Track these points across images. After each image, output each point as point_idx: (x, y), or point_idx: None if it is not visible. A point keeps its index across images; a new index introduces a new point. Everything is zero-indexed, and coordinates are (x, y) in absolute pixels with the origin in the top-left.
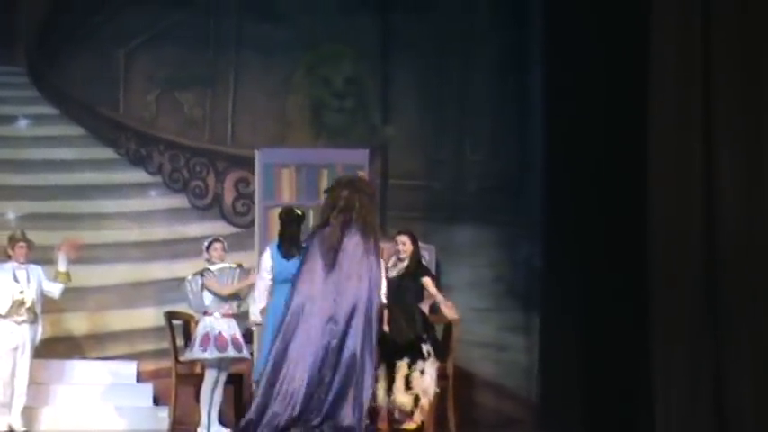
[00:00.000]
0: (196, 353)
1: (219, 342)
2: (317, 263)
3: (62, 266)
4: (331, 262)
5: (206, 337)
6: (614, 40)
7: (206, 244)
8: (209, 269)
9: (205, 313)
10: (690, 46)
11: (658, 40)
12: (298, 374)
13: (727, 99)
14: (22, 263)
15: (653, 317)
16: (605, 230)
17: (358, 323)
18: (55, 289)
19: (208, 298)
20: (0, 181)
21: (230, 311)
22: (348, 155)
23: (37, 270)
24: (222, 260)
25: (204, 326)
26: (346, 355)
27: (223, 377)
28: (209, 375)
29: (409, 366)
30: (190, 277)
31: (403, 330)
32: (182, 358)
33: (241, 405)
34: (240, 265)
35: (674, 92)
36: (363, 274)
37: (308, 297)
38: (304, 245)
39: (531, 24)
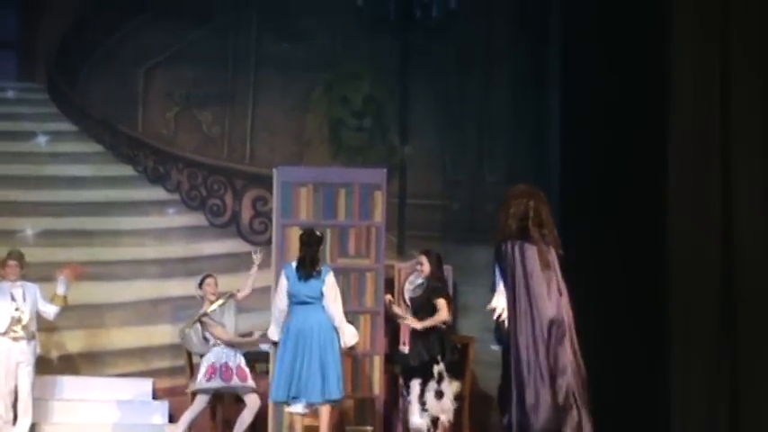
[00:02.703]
0: (201, 383)
1: (224, 372)
2: (536, 280)
3: (61, 290)
4: (553, 282)
5: (211, 368)
6: (632, 59)
7: (198, 280)
8: (207, 315)
9: (212, 346)
10: (709, 63)
11: (677, 58)
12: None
13: (746, 114)
14: (14, 281)
15: (671, 332)
16: (623, 250)
17: (568, 346)
18: (50, 311)
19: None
20: (18, 197)
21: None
22: (366, 174)
23: (33, 288)
24: (215, 296)
25: (209, 357)
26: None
27: (251, 400)
28: (201, 401)
29: (422, 388)
30: (188, 330)
31: (418, 352)
32: (188, 390)
33: (257, 422)
34: (232, 295)
35: (692, 109)
36: (564, 292)
37: (541, 318)
38: (498, 254)
39: (549, 45)
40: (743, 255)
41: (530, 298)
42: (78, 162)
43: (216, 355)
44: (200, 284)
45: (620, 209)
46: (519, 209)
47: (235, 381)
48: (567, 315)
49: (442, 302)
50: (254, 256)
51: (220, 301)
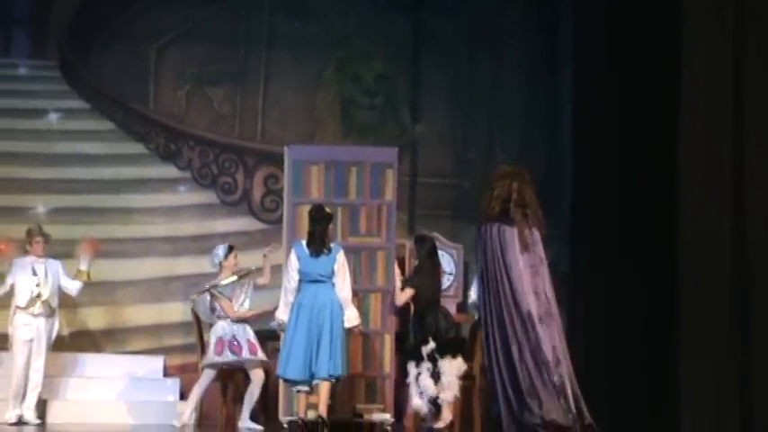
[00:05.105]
0: (212, 358)
1: (234, 346)
2: (517, 262)
3: (83, 265)
4: (531, 263)
5: (220, 342)
6: (644, 40)
7: (224, 251)
8: (216, 287)
9: (218, 317)
10: (721, 46)
11: (689, 40)
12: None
13: (759, 100)
14: (40, 257)
15: (681, 321)
16: (634, 233)
17: (556, 327)
18: (73, 287)
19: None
20: (30, 174)
21: (243, 314)
22: (377, 153)
23: (56, 265)
24: (236, 269)
25: (217, 331)
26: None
27: (257, 375)
28: (207, 375)
29: (417, 369)
30: (196, 297)
31: (412, 333)
32: (200, 366)
33: (269, 399)
34: (248, 273)
35: (705, 93)
36: (547, 274)
37: (520, 303)
38: (479, 236)
39: (561, 25)
40: (755, 239)
41: (509, 283)
42: (90, 140)
43: (222, 329)
44: (226, 257)
45: (632, 188)
46: (502, 191)
47: (245, 354)
48: (550, 298)
49: (405, 292)
50: (267, 251)
51: (233, 278)
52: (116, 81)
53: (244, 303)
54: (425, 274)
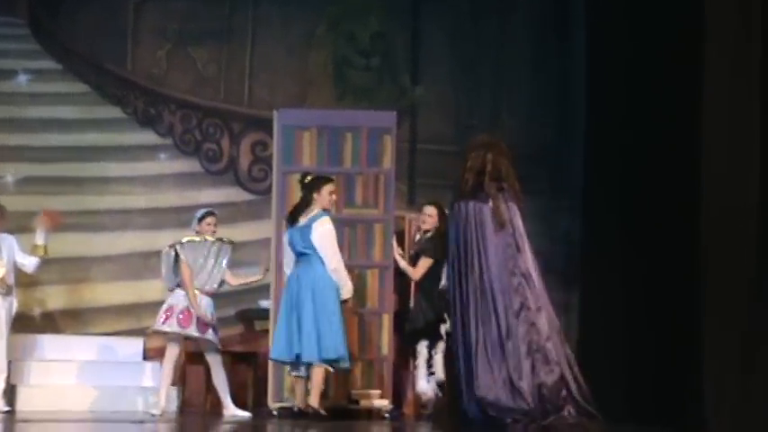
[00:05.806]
0: (157, 325)
1: (182, 319)
2: (489, 245)
3: (39, 239)
4: (510, 239)
5: (170, 309)
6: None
7: (199, 215)
8: (181, 242)
9: (178, 286)
10: (747, 5)
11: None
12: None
13: None
14: None
15: (702, 296)
16: (650, 203)
17: (546, 304)
18: (29, 263)
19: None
20: None
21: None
22: (374, 117)
23: (10, 240)
24: (214, 237)
25: (172, 298)
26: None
27: (213, 359)
28: (169, 350)
29: (429, 350)
30: (166, 250)
31: (423, 312)
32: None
33: (258, 384)
34: (221, 240)
35: (728, 52)
36: (527, 250)
37: (493, 283)
38: (451, 214)
39: None
40: None
41: (479, 269)
42: (62, 103)
43: (177, 298)
44: (200, 220)
45: (649, 156)
46: (476, 162)
47: (192, 330)
48: (527, 274)
49: (424, 262)
50: (261, 269)
51: (198, 238)
52: (90, 39)
53: (207, 275)
54: (441, 243)
